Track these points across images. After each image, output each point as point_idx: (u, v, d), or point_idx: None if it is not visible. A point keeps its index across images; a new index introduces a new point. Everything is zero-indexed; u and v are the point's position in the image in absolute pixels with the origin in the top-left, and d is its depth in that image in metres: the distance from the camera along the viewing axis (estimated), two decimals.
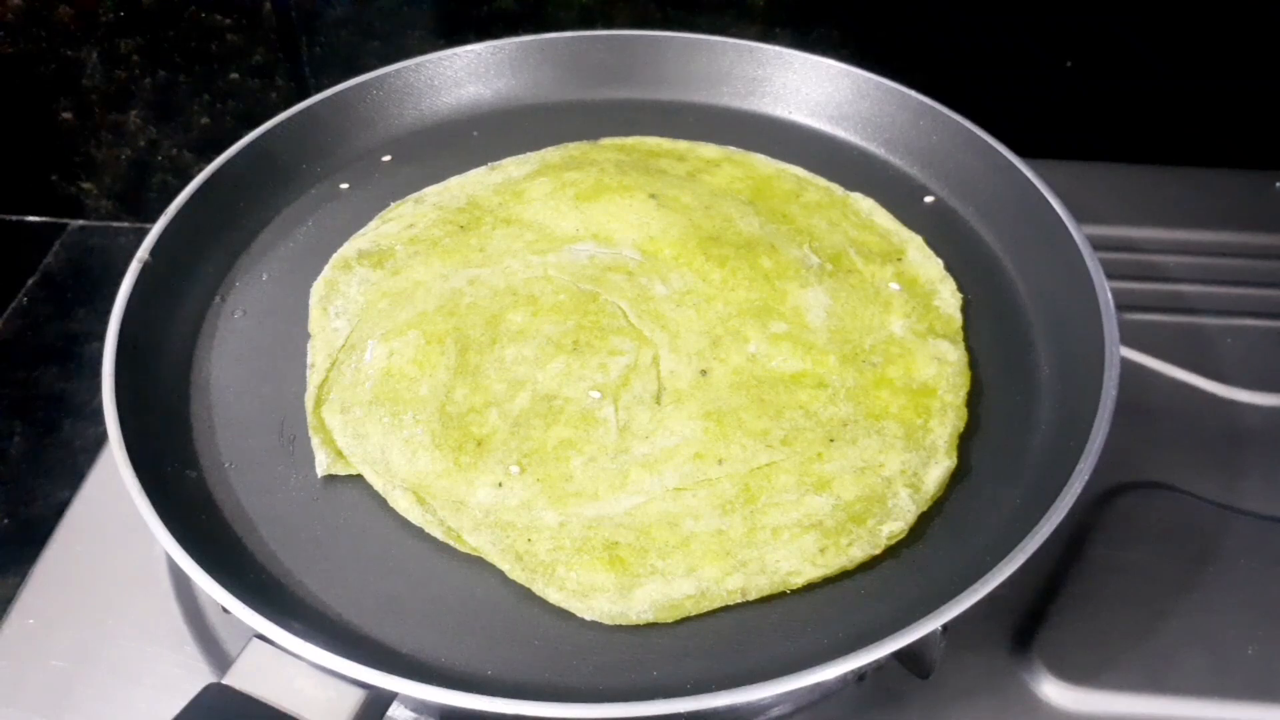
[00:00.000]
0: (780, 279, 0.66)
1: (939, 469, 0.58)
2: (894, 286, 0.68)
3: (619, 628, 0.52)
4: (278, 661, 0.47)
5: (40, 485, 0.77)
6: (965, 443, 0.60)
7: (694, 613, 0.52)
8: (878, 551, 0.54)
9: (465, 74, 0.83)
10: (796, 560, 0.53)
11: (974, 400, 0.62)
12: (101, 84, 0.94)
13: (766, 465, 0.57)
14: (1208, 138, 0.92)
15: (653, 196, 0.71)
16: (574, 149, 0.79)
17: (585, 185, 0.72)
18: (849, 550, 0.54)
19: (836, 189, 0.76)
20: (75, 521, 0.65)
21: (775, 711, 0.55)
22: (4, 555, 0.71)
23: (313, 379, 0.63)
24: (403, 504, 0.57)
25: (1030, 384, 0.63)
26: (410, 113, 0.82)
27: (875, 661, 0.46)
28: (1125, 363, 0.58)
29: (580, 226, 0.70)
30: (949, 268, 0.70)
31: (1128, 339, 0.60)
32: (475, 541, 0.55)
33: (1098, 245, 0.65)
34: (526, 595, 0.53)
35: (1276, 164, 0.90)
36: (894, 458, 0.58)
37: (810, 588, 0.53)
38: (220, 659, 0.57)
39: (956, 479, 0.58)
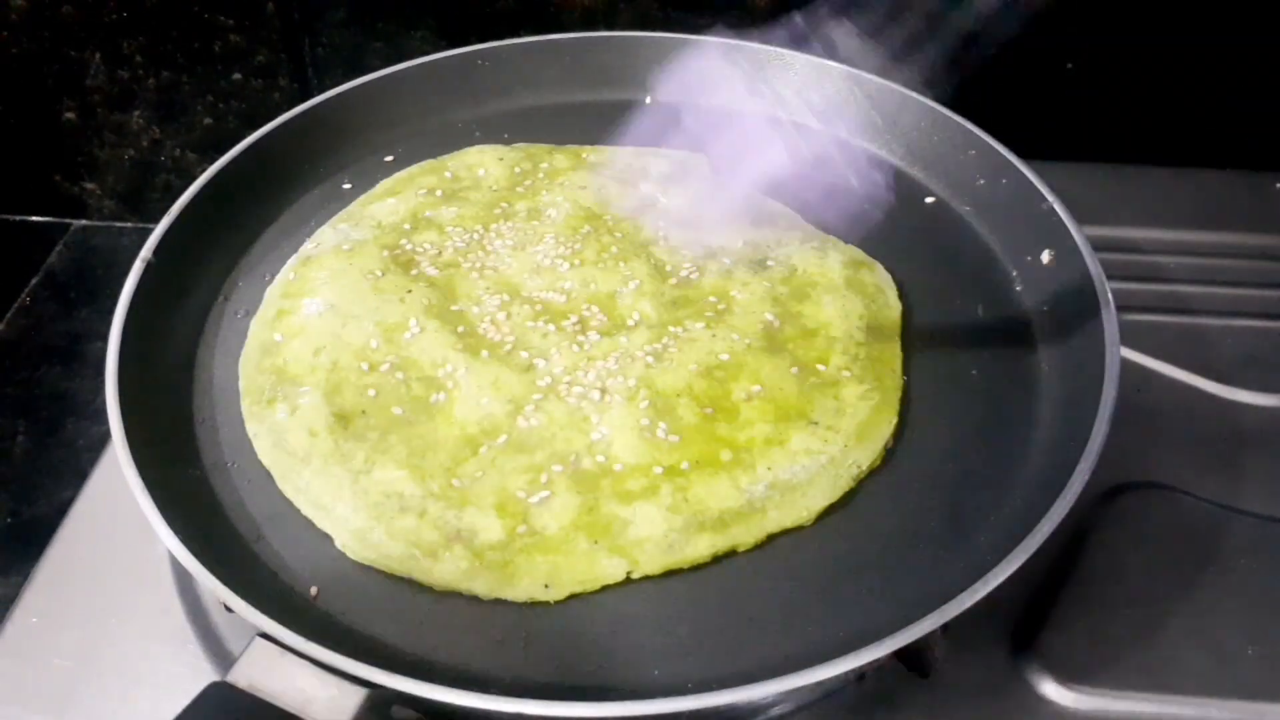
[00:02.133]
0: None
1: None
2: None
3: (619, 627, 0.52)
4: (281, 660, 0.47)
5: (43, 484, 0.77)
6: (965, 442, 0.60)
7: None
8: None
9: (467, 75, 0.83)
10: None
11: (974, 400, 0.62)
12: (105, 84, 0.94)
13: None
14: (1208, 138, 0.92)
15: None
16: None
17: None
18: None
19: None
20: (78, 520, 0.65)
21: (775, 710, 0.55)
22: (7, 554, 0.71)
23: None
24: None
25: (1030, 384, 0.63)
26: (412, 113, 0.82)
27: (875, 661, 0.46)
28: (1126, 363, 0.59)
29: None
30: (949, 267, 0.70)
31: (1128, 339, 0.60)
32: None
33: (1098, 246, 0.65)
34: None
35: (1276, 164, 0.90)
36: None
37: (810, 586, 0.53)
38: (223, 657, 0.57)
39: (956, 479, 0.58)
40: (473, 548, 0.54)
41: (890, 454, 0.59)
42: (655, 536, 0.54)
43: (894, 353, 0.64)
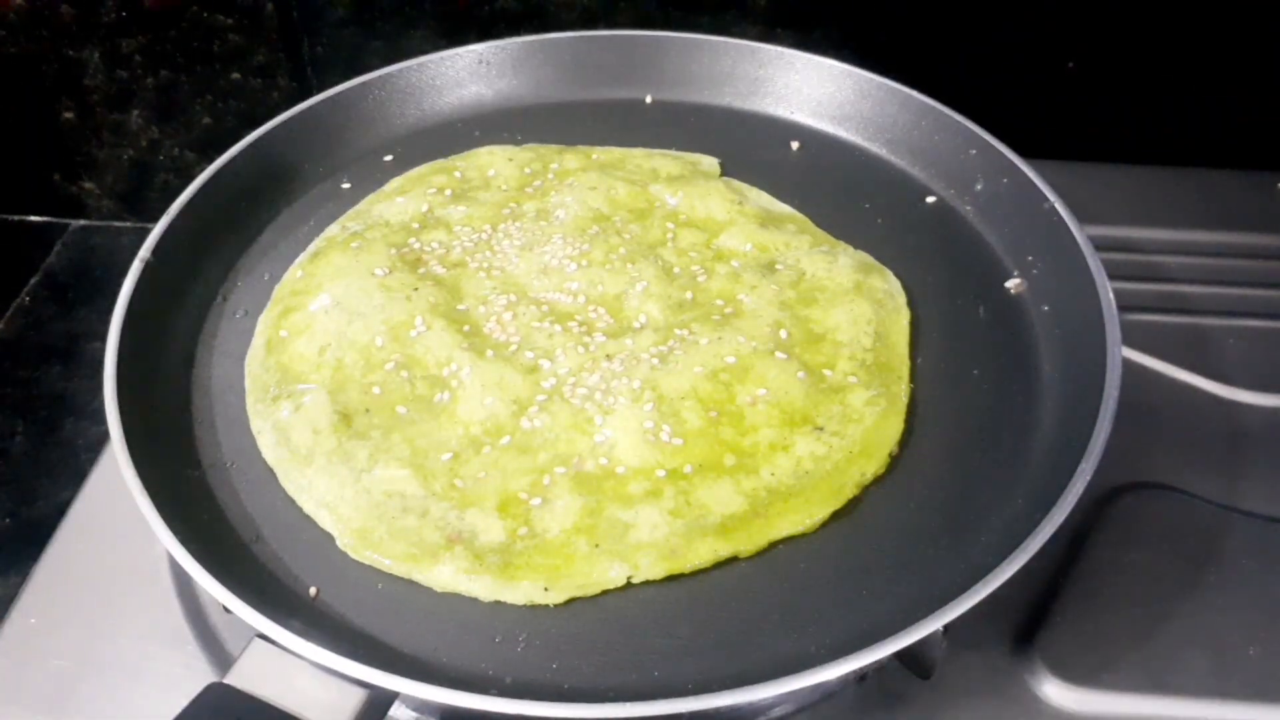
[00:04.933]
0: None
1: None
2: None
3: (619, 628, 0.52)
4: (279, 661, 0.47)
5: (42, 485, 0.77)
6: (966, 443, 0.60)
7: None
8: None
9: (467, 74, 0.84)
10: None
11: (976, 401, 0.62)
12: (103, 84, 0.94)
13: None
14: (1208, 138, 0.92)
15: None
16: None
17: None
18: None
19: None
20: (77, 521, 0.65)
21: (776, 711, 0.55)
22: (6, 554, 0.71)
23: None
24: None
25: (1032, 384, 0.63)
26: (412, 113, 0.82)
27: (876, 661, 0.46)
28: (1127, 363, 0.58)
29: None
30: (950, 268, 0.70)
31: (1129, 339, 0.60)
32: None
33: (1099, 246, 0.65)
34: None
35: (1277, 164, 0.90)
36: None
37: (811, 589, 0.53)
38: (222, 658, 0.57)
39: (957, 480, 0.58)
40: (473, 549, 0.54)
41: (894, 460, 0.59)
42: (656, 541, 0.54)
43: (902, 359, 0.64)
